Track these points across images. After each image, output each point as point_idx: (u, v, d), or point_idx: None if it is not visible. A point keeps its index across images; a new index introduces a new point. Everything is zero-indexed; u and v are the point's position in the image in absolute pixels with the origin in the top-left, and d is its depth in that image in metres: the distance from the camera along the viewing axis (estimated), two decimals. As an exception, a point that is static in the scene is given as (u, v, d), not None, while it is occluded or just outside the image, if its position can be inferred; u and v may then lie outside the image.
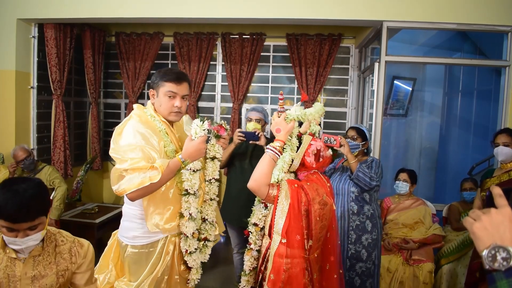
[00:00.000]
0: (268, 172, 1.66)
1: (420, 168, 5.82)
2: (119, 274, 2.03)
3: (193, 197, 1.93)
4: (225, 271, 4.03)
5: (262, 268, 1.78)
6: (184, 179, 1.92)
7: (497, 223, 0.85)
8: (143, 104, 2.09)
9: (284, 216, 1.62)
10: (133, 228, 1.92)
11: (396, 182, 3.54)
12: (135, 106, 2.00)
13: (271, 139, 2.98)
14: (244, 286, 1.87)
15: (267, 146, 1.71)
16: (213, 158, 2.07)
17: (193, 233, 1.97)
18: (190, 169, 1.92)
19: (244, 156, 3.08)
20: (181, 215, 1.94)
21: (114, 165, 1.77)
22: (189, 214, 1.93)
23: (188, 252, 1.97)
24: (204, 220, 2.08)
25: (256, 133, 2.82)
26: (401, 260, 3.30)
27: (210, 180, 2.09)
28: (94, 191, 5.56)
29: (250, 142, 2.86)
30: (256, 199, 1.98)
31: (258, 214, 1.90)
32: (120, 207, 4.85)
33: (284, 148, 1.75)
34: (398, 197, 3.57)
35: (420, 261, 3.25)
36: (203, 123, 1.86)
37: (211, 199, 2.11)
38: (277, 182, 1.74)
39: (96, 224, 4.26)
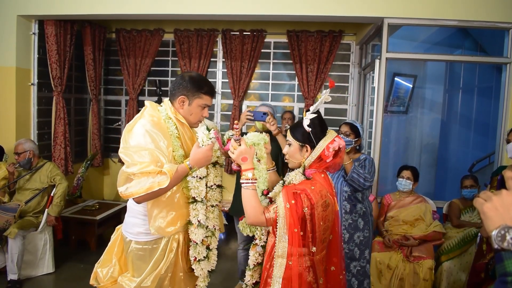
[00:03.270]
0: (256, 203, 1.65)
1: (421, 165, 5.82)
2: (122, 268, 2.03)
3: (200, 204, 1.94)
4: (226, 267, 4.04)
5: (267, 266, 1.78)
6: (190, 187, 1.93)
7: (507, 204, 0.86)
8: (142, 102, 2.05)
9: (286, 240, 1.61)
10: (138, 224, 1.92)
11: (399, 179, 3.55)
12: (147, 103, 1.94)
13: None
14: (248, 281, 1.87)
15: (241, 181, 1.68)
16: (215, 164, 2.05)
17: (202, 240, 1.97)
18: (197, 176, 1.92)
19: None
20: (190, 223, 1.95)
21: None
22: (198, 221, 1.93)
23: (197, 259, 1.97)
24: (206, 227, 2.07)
25: (264, 114, 2.82)
26: (401, 257, 3.31)
27: (212, 186, 2.06)
28: (94, 188, 5.57)
29: (261, 122, 2.88)
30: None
31: None
32: (120, 204, 4.87)
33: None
34: (399, 194, 3.58)
35: (420, 258, 3.26)
36: (209, 132, 1.83)
37: (212, 206, 2.08)
38: (272, 202, 1.74)
39: (96, 220, 4.28)
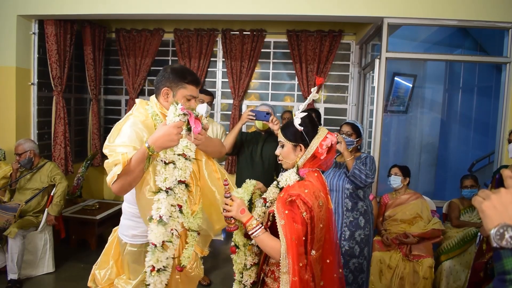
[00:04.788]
0: (273, 243, 1.62)
1: (421, 164, 5.83)
2: (119, 271, 2.01)
3: (164, 195, 1.66)
4: (225, 267, 4.04)
5: (264, 267, 1.78)
6: (156, 174, 1.69)
7: (506, 203, 0.86)
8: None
9: (290, 257, 1.59)
10: (132, 226, 1.90)
11: (388, 177, 3.61)
12: (137, 101, 1.91)
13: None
14: (246, 281, 1.87)
15: (250, 232, 1.65)
16: (179, 155, 1.72)
17: (163, 242, 1.66)
18: (162, 161, 1.68)
19: (255, 147, 3.09)
20: (150, 218, 1.67)
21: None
22: (159, 216, 1.64)
23: (156, 269, 1.67)
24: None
25: (268, 113, 2.81)
26: (401, 256, 3.31)
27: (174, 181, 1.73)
28: (94, 188, 5.57)
29: (262, 122, 2.87)
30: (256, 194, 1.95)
31: (258, 210, 1.88)
32: (120, 203, 4.85)
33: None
34: (395, 193, 3.61)
35: (420, 257, 3.27)
36: (176, 108, 1.61)
37: (172, 205, 1.70)
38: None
39: (96, 220, 4.28)
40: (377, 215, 3.64)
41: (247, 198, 1.79)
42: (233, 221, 1.70)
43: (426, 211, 3.51)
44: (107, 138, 1.80)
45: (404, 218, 3.49)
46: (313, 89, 1.74)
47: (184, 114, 1.61)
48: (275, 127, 2.83)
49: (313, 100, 5.04)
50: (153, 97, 1.92)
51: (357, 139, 2.91)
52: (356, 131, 2.92)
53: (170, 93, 1.85)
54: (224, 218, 1.71)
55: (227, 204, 1.67)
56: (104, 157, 1.71)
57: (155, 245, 1.66)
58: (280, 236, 1.59)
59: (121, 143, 1.69)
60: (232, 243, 1.81)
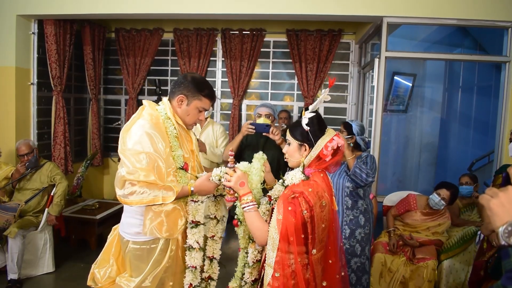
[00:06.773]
0: (261, 223, 1.67)
1: (420, 163, 5.82)
2: (120, 269, 2.02)
3: (201, 227, 1.94)
4: (225, 267, 4.04)
5: (264, 264, 1.78)
6: (190, 210, 1.91)
7: None
8: (141, 101, 2.02)
9: (275, 250, 1.59)
10: (135, 224, 1.90)
11: (435, 195, 3.39)
12: (146, 103, 1.93)
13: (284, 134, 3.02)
14: (247, 278, 1.87)
15: (242, 206, 1.70)
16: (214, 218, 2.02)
17: (201, 266, 1.95)
18: (193, 201, 1.91)
19: (255, 149, 3.07)
20: (189, 248, 1.94)
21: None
22: (197, 242, 1.92)
23: (193, 286, 1.94)
24: (210, 258, 2.05)
25: (267, 125, 2.82)
26: (404, 261, 3.28)
27: (213, 237, 2.03)
28: (94, 187, 5.57)
29: (264, 134, 2.88)
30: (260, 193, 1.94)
31: (262, 208, 1.88)
32: (120, 203, 4.86)
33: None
34: (426, 206, 3.47)
35: (424, 259, 3.25)
36: (221, 179, 1.83)
37: (211, 238, 2.04)
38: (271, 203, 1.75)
39: (97, 220, 4.28)
40: (387, 210, 3.61)
41: (258, 172, 1.83)
42: (231, 191, 1.75)
43: (444, 228, 3.47)
44: (120, 141, 1.83)
45: (421, 231, 3.44)
46: (325, 90, 1.73)
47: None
48: (276, 137, 2.85)
49: (313, 100, 5.04)
50: (166, 100, 1.95)
51: (349, 136, 2.90)
52: (347, 128, 2.91)
53: (185, 101, 1.91)
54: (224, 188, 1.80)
55: (228, 174, 1.73)
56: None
57: (195, 268, 1.95)
58: (271, 228, 1.60)
59: (135, 148, 1.75)
60: (236, 216, 1.85)
